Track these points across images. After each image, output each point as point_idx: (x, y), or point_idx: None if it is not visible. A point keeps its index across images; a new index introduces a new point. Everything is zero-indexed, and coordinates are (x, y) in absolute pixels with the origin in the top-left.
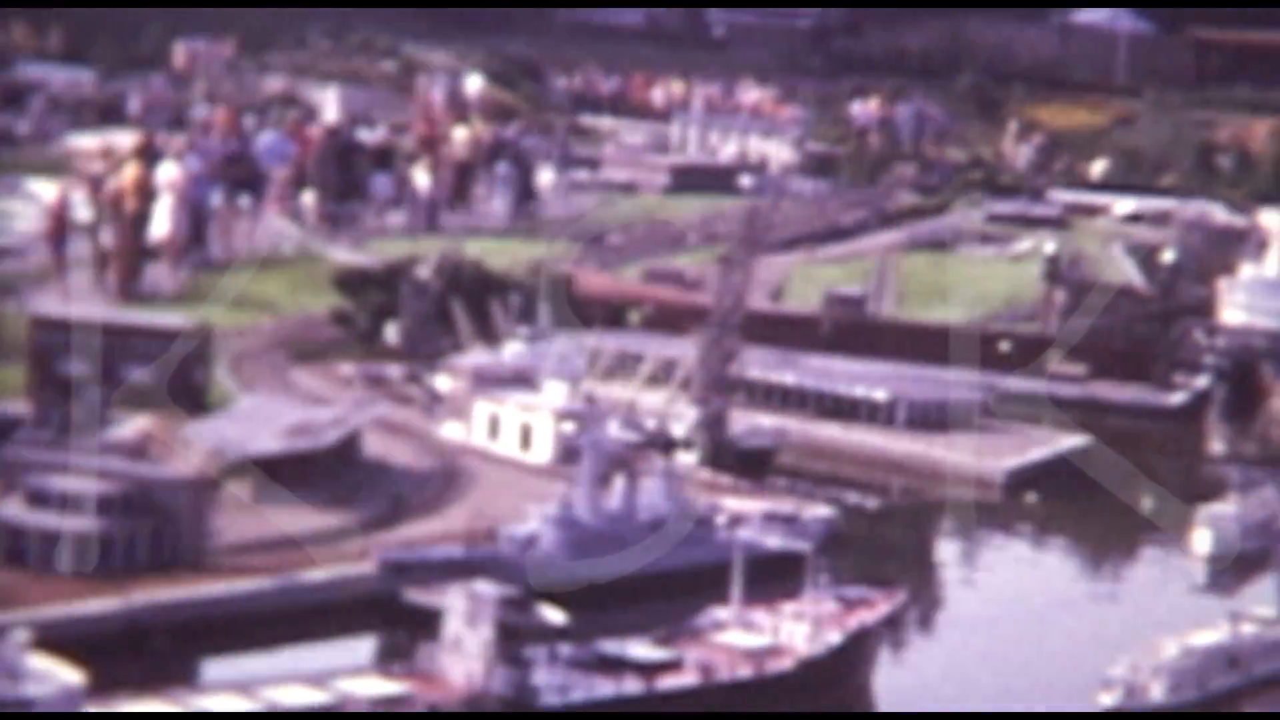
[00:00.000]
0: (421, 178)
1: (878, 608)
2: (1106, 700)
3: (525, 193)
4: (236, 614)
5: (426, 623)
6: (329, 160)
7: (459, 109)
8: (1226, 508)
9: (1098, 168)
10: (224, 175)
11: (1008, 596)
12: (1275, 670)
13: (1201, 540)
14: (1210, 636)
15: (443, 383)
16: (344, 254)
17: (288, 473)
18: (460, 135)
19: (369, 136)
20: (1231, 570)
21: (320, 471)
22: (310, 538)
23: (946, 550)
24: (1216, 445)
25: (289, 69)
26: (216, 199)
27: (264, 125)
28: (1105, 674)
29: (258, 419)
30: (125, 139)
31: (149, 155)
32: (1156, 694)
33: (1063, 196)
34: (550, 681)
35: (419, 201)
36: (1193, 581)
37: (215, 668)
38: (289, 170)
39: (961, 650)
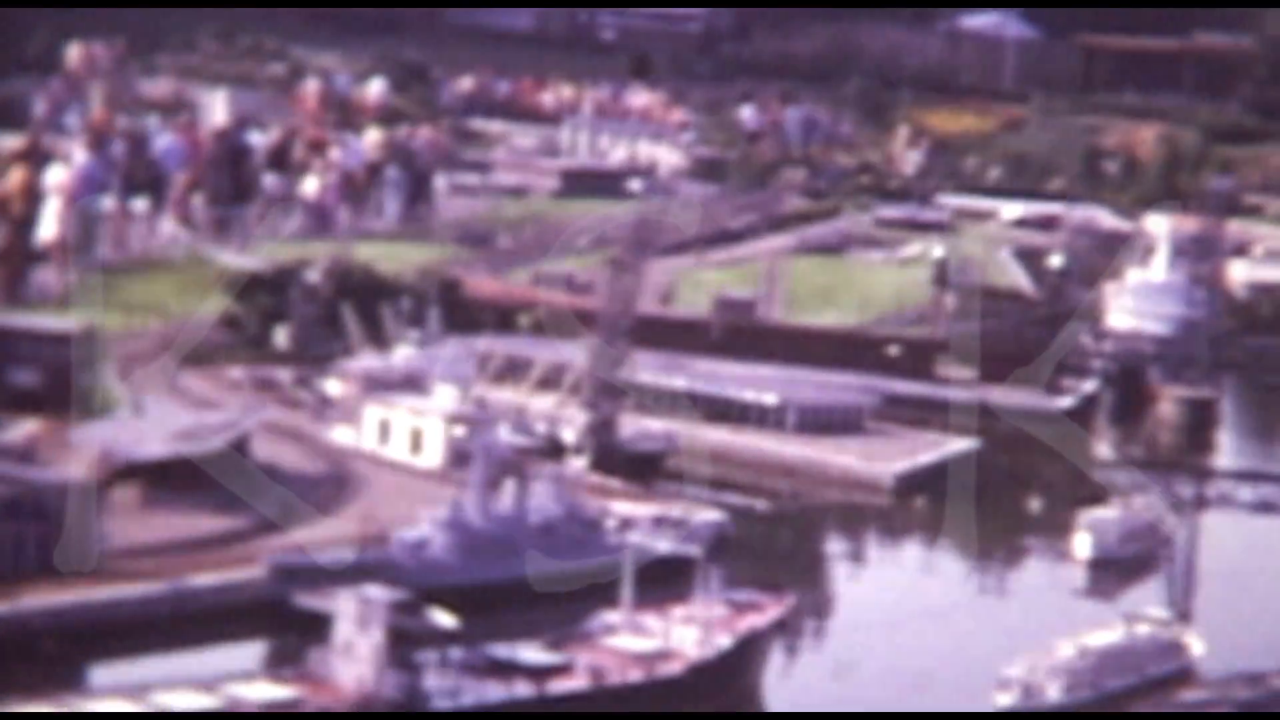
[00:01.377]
0: (311, 181)
1: (768, 611)
2: (1004, 700)
3: (416, 196)
4: (126, 619)
5: (317, 627)
6: (220, 163)
7: (350, 112)
8: (1108, 512)
9: (993, 175)
10: (123, 178)
11: (897, 599)
12: (1169, 671)
13: (1082, 544)
14: (1106, 637)
15: (333, 387)
16: (234, 257)
17: (177, 476)
18: (372, 137)
19: (261, 139)
20: (1113, 574)
21: (210, 475)
22: (200, 542)
23: (836, 553)
24: (1104, 449)
25: (177, 71)
26: (108, 202)
27: (150, 128)
28: (1001, 674)
29: (147, 423)
30: (10, 142)
31: (36, 158)
32: (1053, 694)
33: (951, 201)
34: (441, 685)
35: (309, 205)
36: (1077, 585)
37: (104, 673)
38: (188, 173)
39: (852, 652)
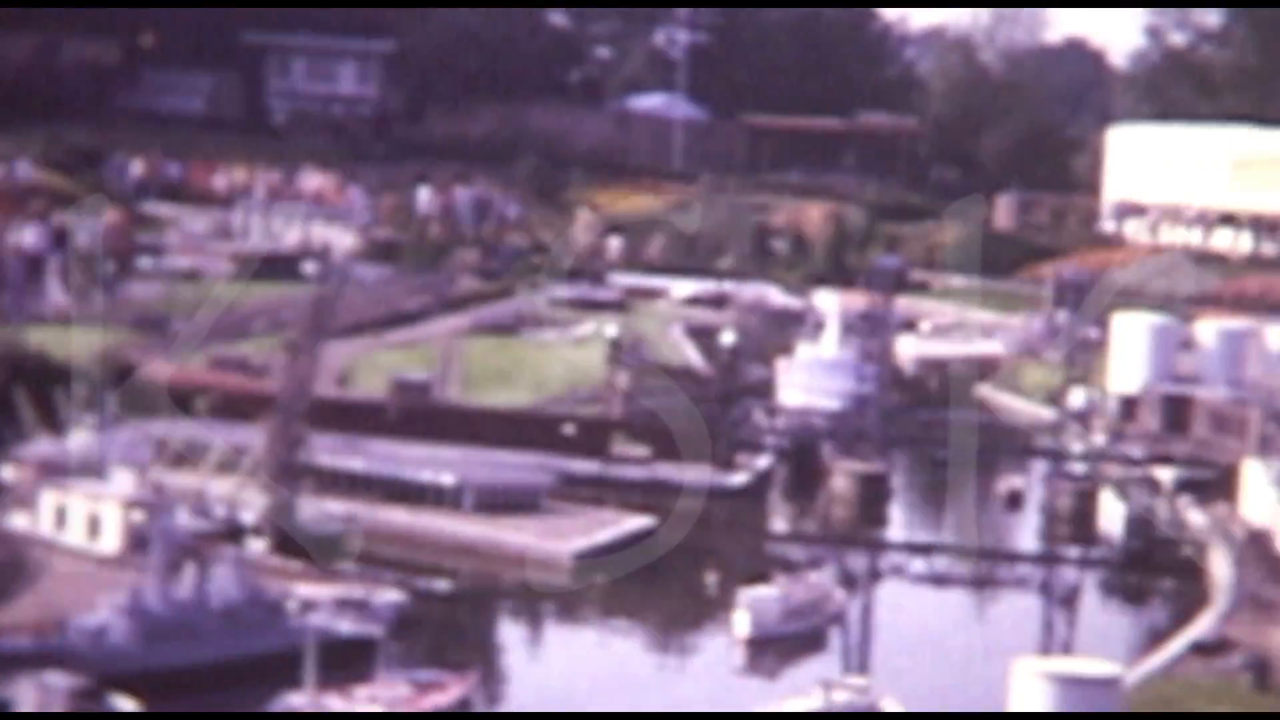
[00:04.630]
0: None
1: (450, 690)
2: None
3: (90, 281)
4: None
5: None
6: None
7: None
8: (767, 590)
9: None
10: None
11: (575, 676)
12: None
13: (741, 623)
14: (804, 703)
15: (6, 473)
16: None
17: None
18: (58, 221)
19: None
20: (774, 652)
21: None
22: None
23: (514, 632)
24: (779, 524)
25: None
26: None
27: None
28: None
29: None
30: None
31: None
32: None
33: (623, 280)
34: None
35: None
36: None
37: None
38: None
39: None
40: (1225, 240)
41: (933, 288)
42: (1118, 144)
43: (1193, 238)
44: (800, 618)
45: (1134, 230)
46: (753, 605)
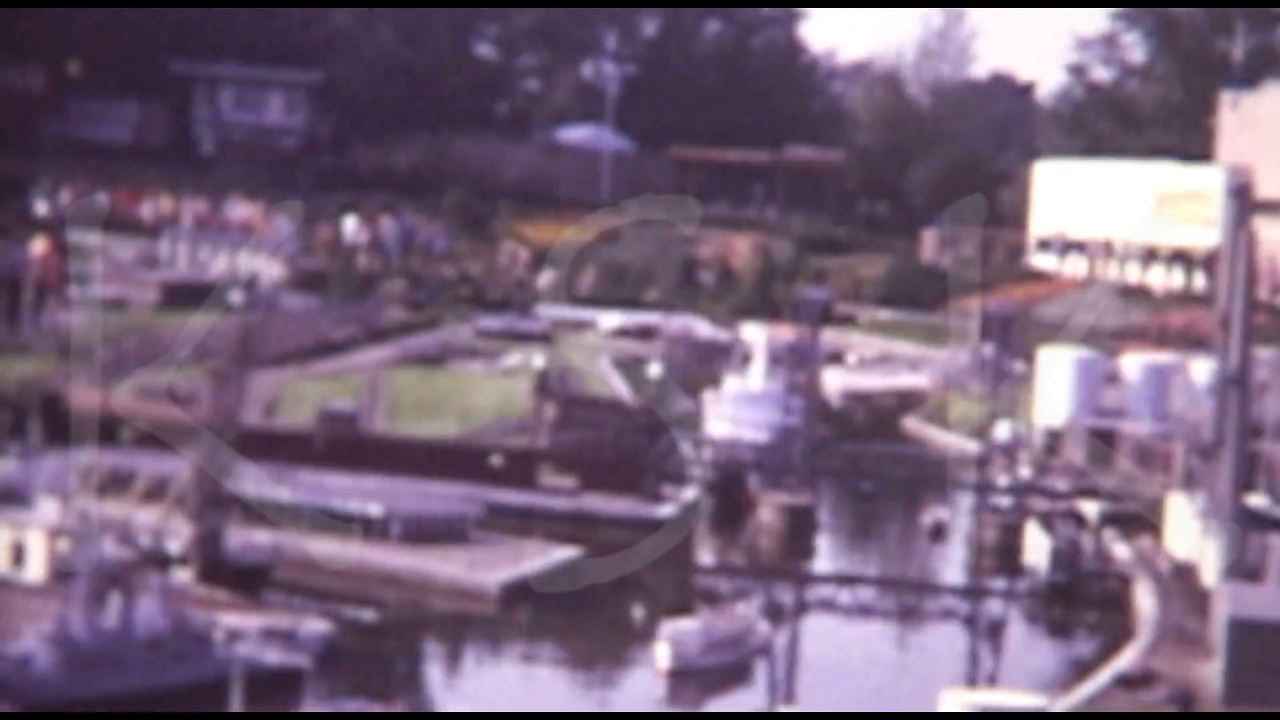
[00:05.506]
0: None
1: None
2: None
3: (12, 309)
4: None
5: None
6: None
7: None
8: (688, 623)
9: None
10: None
11: (498, 707)
12: None
13: (661, 655)
14: None
15: None
16: None
17: None
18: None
19: None
20: (695, 685)
21: None
22: None
23: (440, 663)
24: (705, 556)
25: None
26: None
27: None
28: None
29: None
30: None
31: None
32: None
33: (550, 311)
34: None
35: None
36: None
37: None
38: None
39: None
40: (1159, 275)
41: (859, 320)
42: (1043, 178)
43: (1130, 273)
44: (722, 650)
45: (1073, 265)
46: (673, 637)
